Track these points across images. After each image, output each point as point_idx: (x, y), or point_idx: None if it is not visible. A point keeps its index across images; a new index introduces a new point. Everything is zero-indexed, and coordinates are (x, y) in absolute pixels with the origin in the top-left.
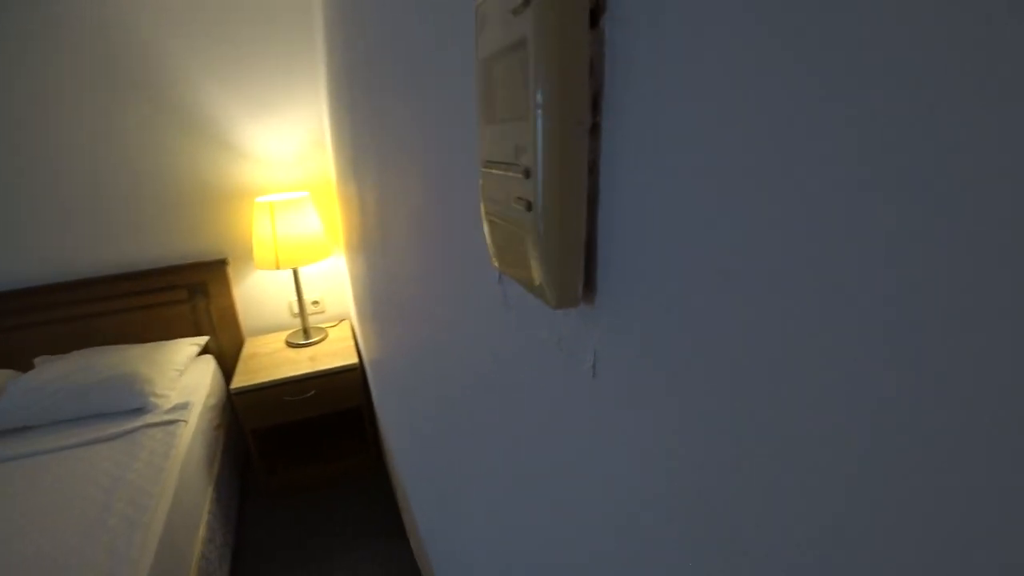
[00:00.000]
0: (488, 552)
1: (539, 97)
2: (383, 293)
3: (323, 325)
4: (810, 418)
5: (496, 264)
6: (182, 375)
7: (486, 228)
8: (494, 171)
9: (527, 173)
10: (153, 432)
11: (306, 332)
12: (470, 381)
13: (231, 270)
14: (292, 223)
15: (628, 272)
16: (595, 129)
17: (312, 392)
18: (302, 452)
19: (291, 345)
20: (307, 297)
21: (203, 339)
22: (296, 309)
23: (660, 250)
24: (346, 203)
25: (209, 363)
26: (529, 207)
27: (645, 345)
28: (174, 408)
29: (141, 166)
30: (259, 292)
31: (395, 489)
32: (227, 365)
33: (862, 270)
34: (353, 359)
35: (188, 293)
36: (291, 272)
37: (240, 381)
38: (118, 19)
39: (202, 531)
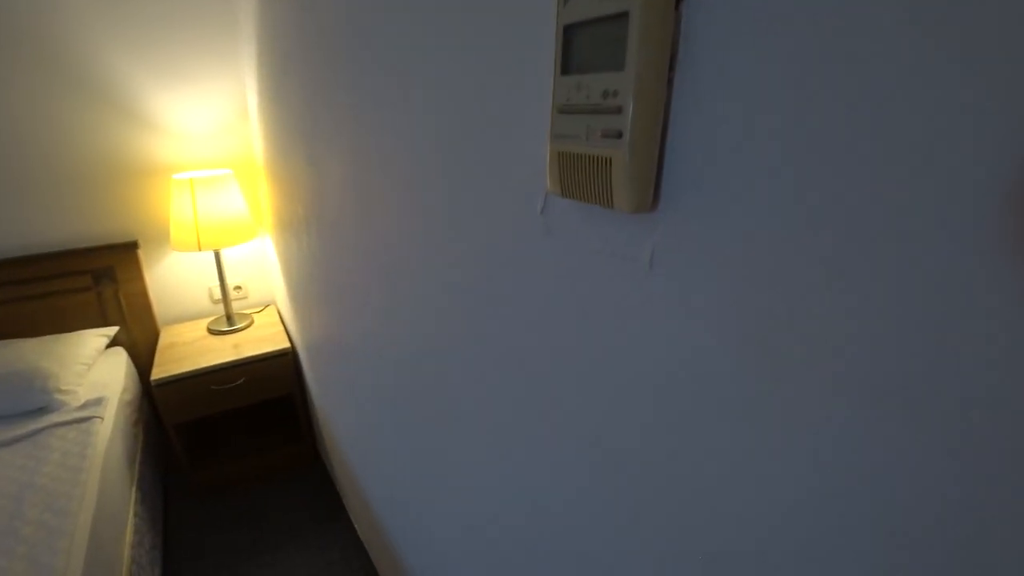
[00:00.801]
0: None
1: (638, 55)
2: (336, 270)
3: (247, 311)
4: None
5: (558, 191)
6: (90, 369)
7: (553, 163)
8: (573, 113)
9: (619, 110)
10: (63, 432)
11: (230, 319)
12: (493, 310)
13: (142, 253)
14: (215, 201)
15: (686, 185)
16: (670, 81)
17: (241, 380)
18: (232, 444)
19: (214, 332)
20: (229, 282)
21: (112, 329)
22: (217, 295)
23: (711, 170)
24: (281, 182)
25: (120, 355)
26: (619, 135)
27: (698, 242)
28: (86, 404)
29: (32, 138)
30: (175, 277)
31: (335, 473)
32: (141, 357)
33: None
34: (284, 344)
35: (93, 279)
36: (211, 256)
37: (160, 372)
38: None
39: (129, 534)
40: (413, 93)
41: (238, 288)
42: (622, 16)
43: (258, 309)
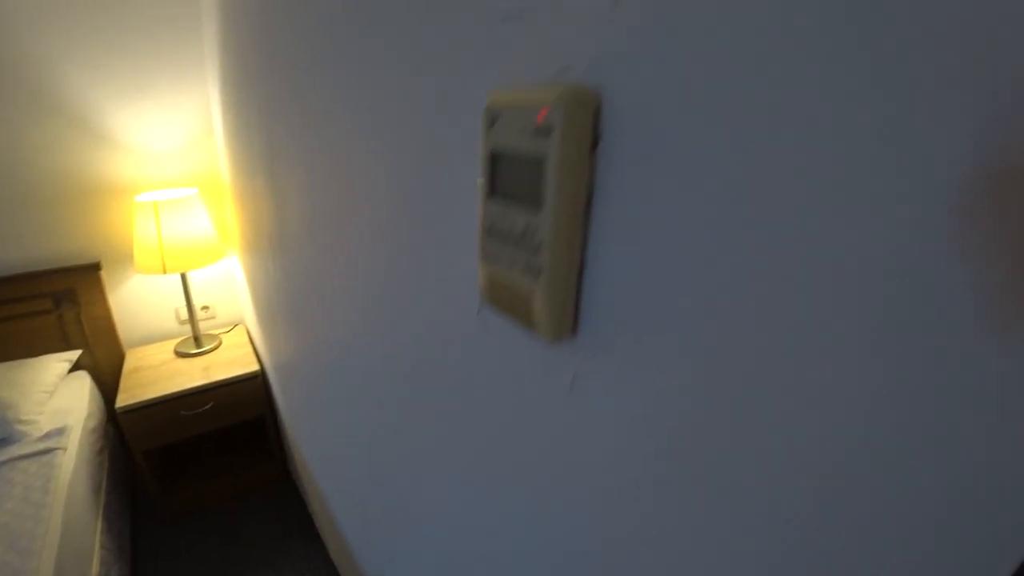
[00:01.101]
0: (441, 549)
1: (554, 197)
2: (303, 294)
3: (215, 331)
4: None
5: (489, 303)
6: (51, 397)
7: (483, 277)
8: (498, 237)
9: (538, 248)
10: (25, 465)
11: (197, 340)
12: (435, 386)
13: (105, 275)
14: (180, 223)
15: (604, 317)
16: (587, 219)
17: (210, 404)
18: (201, 464)
19: (181, 355)
20: (196, 302)
21: (74, 354)
22: (184, 316)
23: (627, 302)
24: (245, 200)
25: (84, 380)
26: (539, 273)
27: (616, 369)
28: (48, 435)
29: None
30: (140, 298)
31: (307, 495)
32: (106, 381)
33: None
34: (253, 366)
35: (53, 302)
36: (178, 276)
37: (125, 399)
38: None
39: (95, 567)
40: (361, 144)
41: (205, 308)
42: (540, 157)
43: (226, 329)
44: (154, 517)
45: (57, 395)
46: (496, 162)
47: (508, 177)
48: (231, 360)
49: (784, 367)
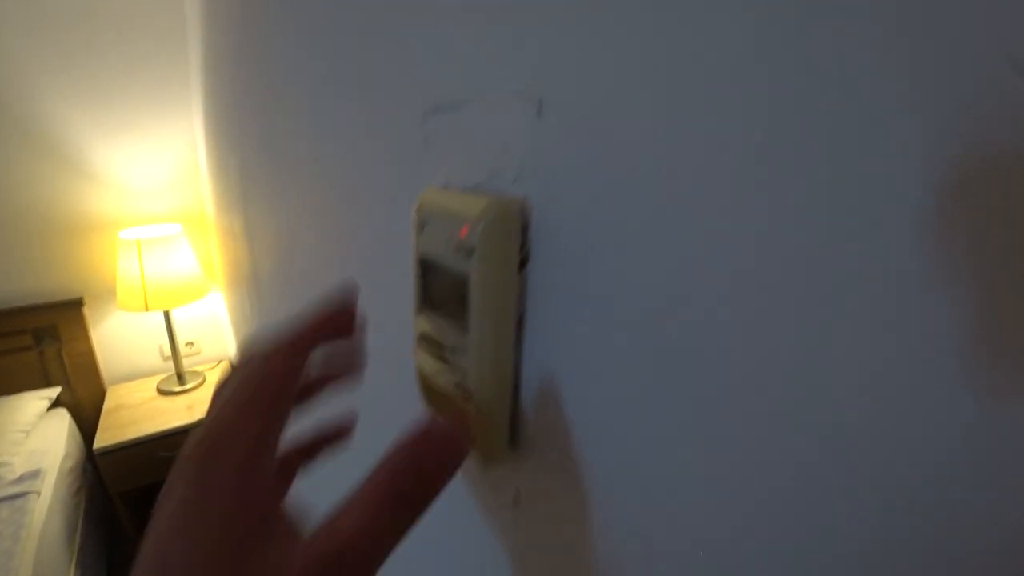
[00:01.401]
0: None
1: (479, 323)
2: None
3: (200, 368)
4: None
5: (427, 404)
6: (28, 436)
7: (420, 378)
8: (431, 347)
9: (466, 372)
10: None
11: (180, 377)
12: None
13: (88, 310)
14: (163, 261)
15: (542, 434)
16: (519, 338)
17: None
18: None
19: (164, 393)
20: (180, 338)
21: (54, 391)
22: (168, 352)
23: (564, 421)
24: (229, 235)
25: (63, 418)
26: (468, 396)
27: (558, 485)
28: (21, 478)
29: None
30: (122, 334)
31: None
32: (86, 419)
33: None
34: None
35: (34, 338)
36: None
37: (104, 439)
38: None
39: None
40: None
41: (190, 344)
42: (463, 278)
43: (211, 366)
44: (132, 559)
45: (34, 434)
46: (426, 270)
47: (437, 288)
48: None
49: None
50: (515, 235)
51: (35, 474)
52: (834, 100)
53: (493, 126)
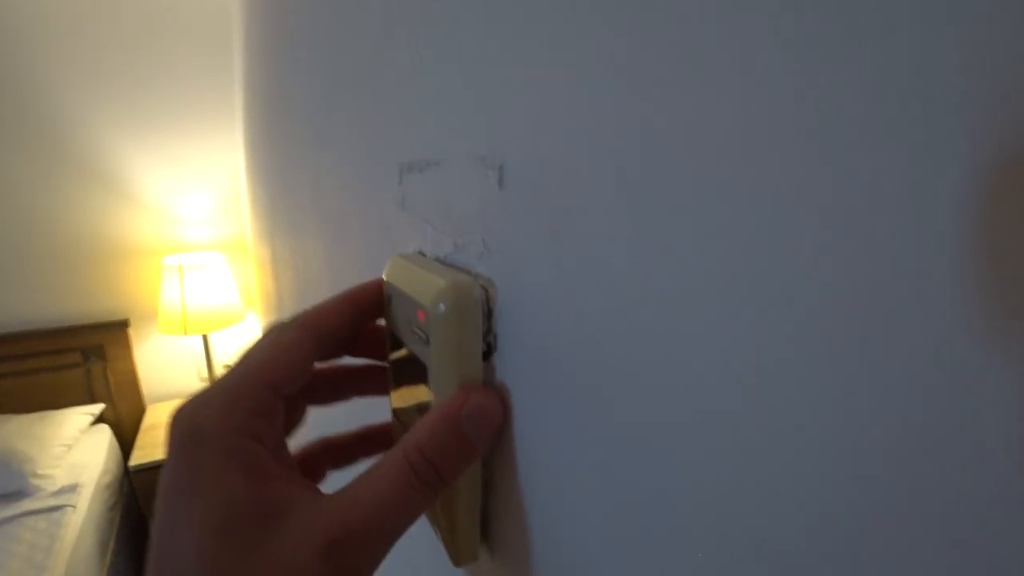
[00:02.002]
0: None
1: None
2: None
3: None
4: None
5: None
6: (70, 450)
7: None
8: (402, 431)
9: None
10: (34, 522)
11: None
12: None
13: (132, 331)
14: (203, 287)
15: (510, 541)
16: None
17: None
18: None
19: None
20: (218, 360)
21: (97, 407)
22: (205, 374)
23: (533, 527)
24: (266, 263)
25: (104, 434)
26: (435, 515)
27: None
28: (60, 491)
29: (28, 216)
30: (163, 355)
31: None
32: (125, 435)
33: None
34: None
35: (82, 356)
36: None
37: (140, 457)
38: (12, 55)
39: None
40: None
41: (227, 367)
42: (424, 367)
43: None
44: None
45: (76, 448)
46: (396, 345)
47: (404, 369)
48: None
49: None
50: (476, 322)
51: (73, 488)
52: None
53: (461, 192)
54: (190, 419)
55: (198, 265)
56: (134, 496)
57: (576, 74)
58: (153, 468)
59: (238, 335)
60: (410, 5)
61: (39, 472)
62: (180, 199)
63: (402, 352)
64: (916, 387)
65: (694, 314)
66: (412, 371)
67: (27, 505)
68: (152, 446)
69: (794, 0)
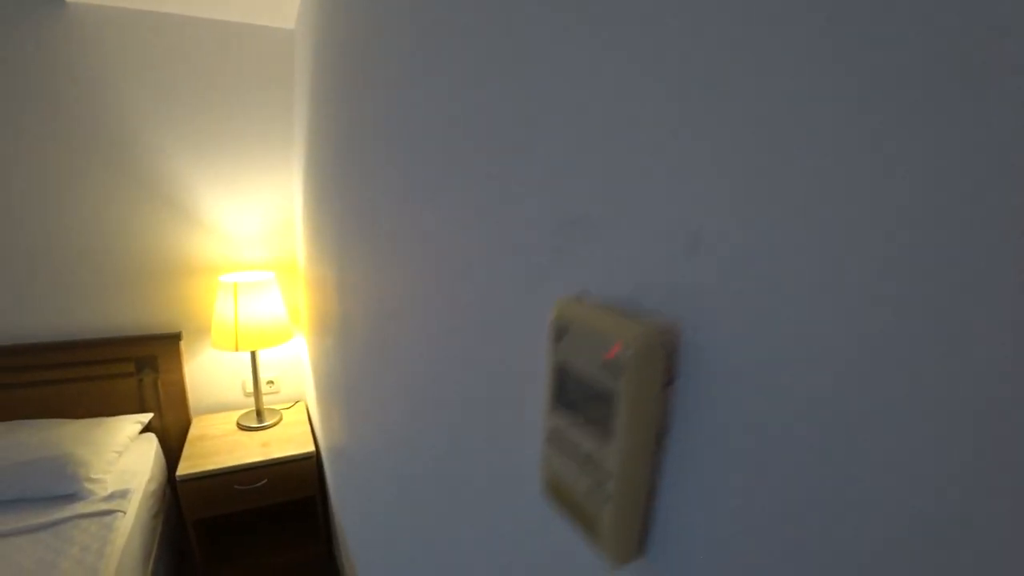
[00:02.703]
0: None
1: (624, 436)
2: (356, 389)
3: (277, 407)
4: None
5: (550, 499)
6: (121, 456)
7: (546, 473)
8: (562, 449)
9: (605, 479)
10: (86, 524)
11: (259, 414)
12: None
13: (184, 345)
14: (255, 305)
15: (674, 541)
16: (659, 449)
17: (264, 481)
18: (246, 542)
19: (243, 428)
20: (262, 376)
21: (147, 416)
22: (250, 389)
23: (701, 530)
24: (315, 285)
25: (151, 443)
26: (606, 500)
27: None
28: (111, 496)
29: (95, 231)
30: (211, 369)
31: None
32: (171, 444)
33: None
34: (309, 446)
35: (136, 366)
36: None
37: (186, 467)
38: (89, 81)
39: None
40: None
41: (270, 383)
42: (609, 393)
43: (288, 405)
44: None
45: (126, 455)
46: (563, 376)
47: (575, 395)
48: (289, 437)
49: None
50: (663, 358)
51: (123, 493)
52: None
53: (641, 248)
54: None
55: (252, 283)
56: (176, 505)
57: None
58: (198, 479)
59: (282, 352)
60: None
61: (92, 476)
62: (236, 220)
63: (570, 381)
64: None
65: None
66: (584, 397)
67: (80, 508)
68: (198, 457)
69: None
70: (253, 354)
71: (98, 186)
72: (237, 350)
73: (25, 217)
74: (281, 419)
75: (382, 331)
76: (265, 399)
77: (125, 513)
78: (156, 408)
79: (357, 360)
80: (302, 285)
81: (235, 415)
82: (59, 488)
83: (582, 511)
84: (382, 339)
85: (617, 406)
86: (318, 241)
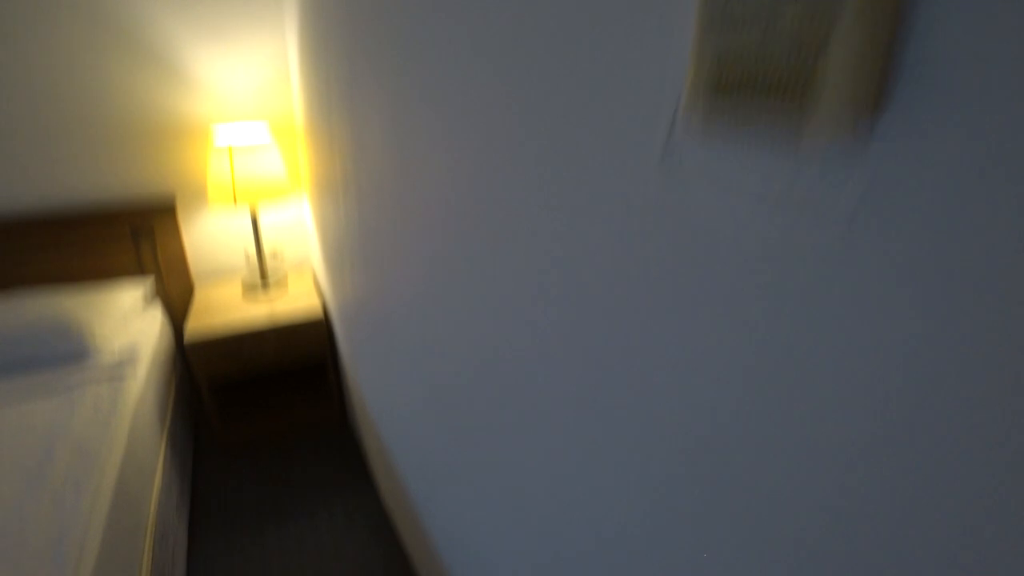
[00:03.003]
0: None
1: None
2: (379, 237)
3: (282, 274)
4: None
5: (702, 114)
6: (127, 323)
7: (703, 62)
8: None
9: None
10: (96, 386)
11: (264, 280)
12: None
13: (180, 209)
14: (251, 161)
15: (934, 91)
16: None
17: (273, 344)
18: (259, 404)
19: (248, 294)
20: (265, 245)
21: (148, 279)
22: (253, 256)
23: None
24: (320, 143)
25: (156, 310)
26: (829, 21)
27: (943, 187)
28: (120, 362)
29: (73, 92)
30: (212, 236)
31: (363, 441)
32: (175, 312)
33: None
34: (317, 310)
35: (132, 235)
36: (248, 215)
37: (194, 334)
38: None
39: (157, 484)
40: None
41: (274, 254)
42: None
43: (293, 272)
44: (214, 449)
45: (131, 322)
46: None
47: None
48: (296, 302)
49: None
50: None
51: (131, 356)
52: None
53: None
54: None
55: (247, 148)
56: (187, 371)
57: None
58: (207, 344)
59: (285, 216)
60: None
61: (99, 339)
62: (227, 74)
63: None
64: None
65: None
66: None
67: (89, 375)
68: (205, 324)
69: None
70: (254, 219)
71: (71, 43)
72: (235, 203)
73: None
74: (287, 284)
75: (407, 173)
76: (270, 266)
77: (136, 373)
78: (157, 277)
79: (376, 211)
80: (301, 143)
81: (239, 281)
82: (66, 352)
83: (776, 76)
84: (397, 191)
85: None
86: (323, 96)
